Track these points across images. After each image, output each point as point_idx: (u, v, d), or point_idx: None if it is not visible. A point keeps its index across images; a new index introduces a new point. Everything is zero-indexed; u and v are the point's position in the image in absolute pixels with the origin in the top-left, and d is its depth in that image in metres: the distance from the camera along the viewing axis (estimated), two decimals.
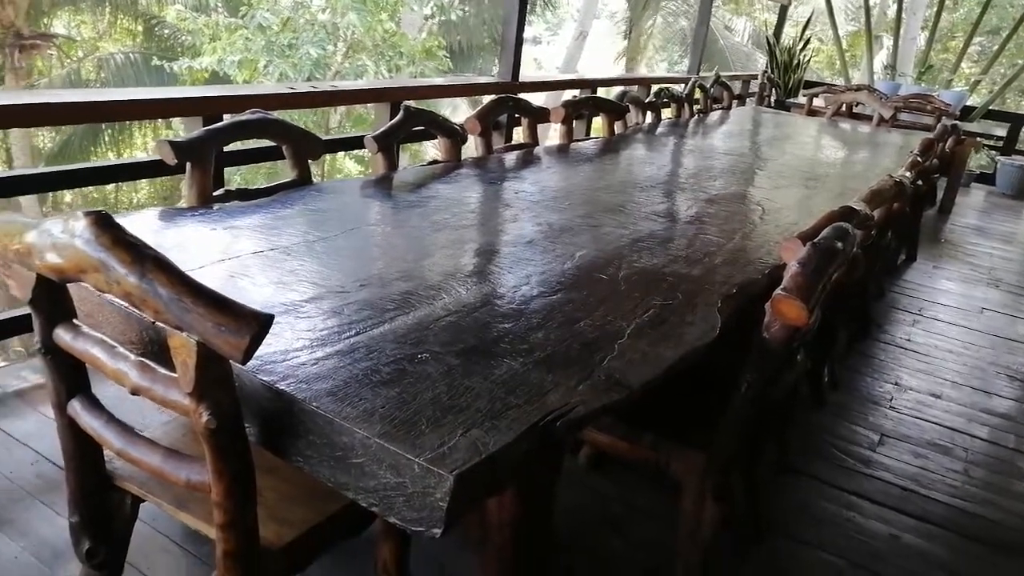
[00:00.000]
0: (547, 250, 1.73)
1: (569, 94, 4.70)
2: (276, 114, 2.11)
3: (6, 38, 9.60)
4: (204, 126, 2.03)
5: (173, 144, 1.79)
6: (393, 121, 2.37)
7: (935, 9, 8.40)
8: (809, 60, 8.21)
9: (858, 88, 5.68)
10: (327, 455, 0.97)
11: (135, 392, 1.02)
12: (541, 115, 3.12)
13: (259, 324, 0.85)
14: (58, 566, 1.63)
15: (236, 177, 8.90)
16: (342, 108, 10.39)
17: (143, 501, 1.31)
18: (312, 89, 3.16)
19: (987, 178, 7.80)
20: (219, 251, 1.48)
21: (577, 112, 3.39)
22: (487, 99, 3.00)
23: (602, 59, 17.70)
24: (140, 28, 10.76)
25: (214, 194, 1.89)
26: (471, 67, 12.86)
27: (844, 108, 5.62)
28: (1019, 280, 4.56)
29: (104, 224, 0.89)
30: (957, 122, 5.13)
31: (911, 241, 4.65)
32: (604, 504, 2.01)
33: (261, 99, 2.63)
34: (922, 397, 2.84)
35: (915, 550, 1.98)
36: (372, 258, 1.59)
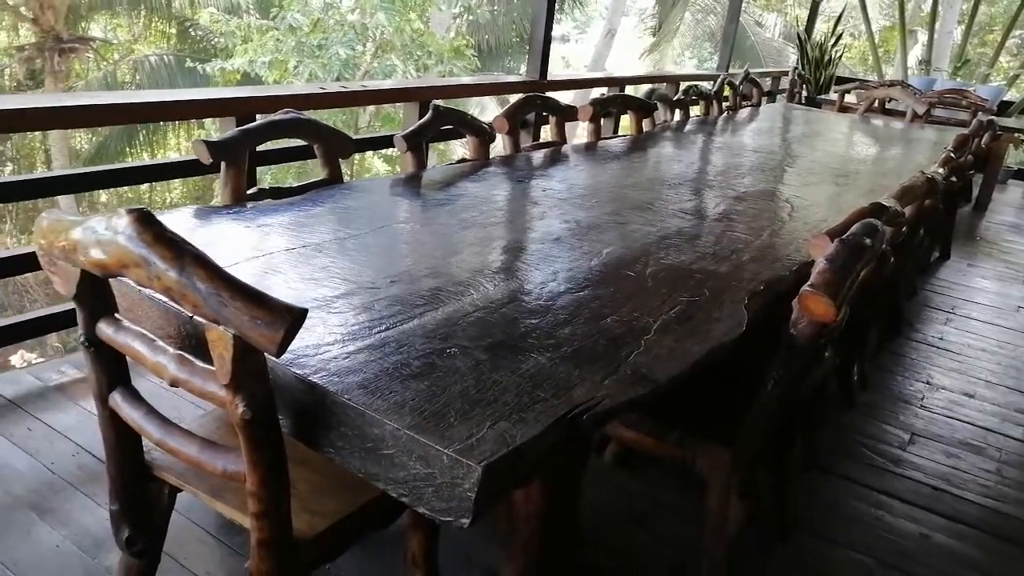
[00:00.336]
0: (574, 247, 1.74)
1: (597, 92, 4.70)
2: (307, 114, 2.15)
3: (46, 42, 9.84)
4: (238, 126, 2.07)
5: (209, 144, 1.84)
6: (422, 120, 2.40)
7: (972, 2, 8.24)
8: (841, 56, 8.09)
9: (891, 84, 5.59)
10: (358, 446, 0.99)
11: (174, 384, 1.05)
12: (569, 113, 3.13)
13: (293, 318, 0.88)
14: (99, 554, 1.68)
15: (266, 176, 9.02)
16: (371, 108, 10.48)
17: (180, 491, 1.34)
18: (342, 89, 3.20)
19: None
20: (252, 248, 1.52)
21: (605, 110, 3.39)
22: (515, 98, 3.02)
23: (630, 57, 17.61)
24: (174, 31, 10.96)
25: (247, 192, 1.93)
26: (499, 66, 12.88)
27: (876, 104, 5.54)
28: None
29: (146, 221, 0.93)
30: (994, 117, 5.03)
31: (945, 238, 4.57)
32: (630, 501, 2.02)
33: (293, 99, 2.68)
34: (954, 396, 2.80)
35: (946, 550, 1.95)
36: (401, 255, 1.61)
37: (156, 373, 1.07)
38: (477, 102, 11.62)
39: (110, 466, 1.32)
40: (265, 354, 0.95)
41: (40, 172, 9.88)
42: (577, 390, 1.09)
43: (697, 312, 1.43)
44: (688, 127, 3.85)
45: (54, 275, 1.15)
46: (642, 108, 3.56)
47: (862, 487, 2.18)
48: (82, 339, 1.16)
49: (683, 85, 4.59)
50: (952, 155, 2.83)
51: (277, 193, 1.99)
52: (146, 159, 10.30)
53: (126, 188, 10.15)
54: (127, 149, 10.26)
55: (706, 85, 4.55)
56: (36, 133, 10.07)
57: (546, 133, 3.72)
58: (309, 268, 1.44)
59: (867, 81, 7.39)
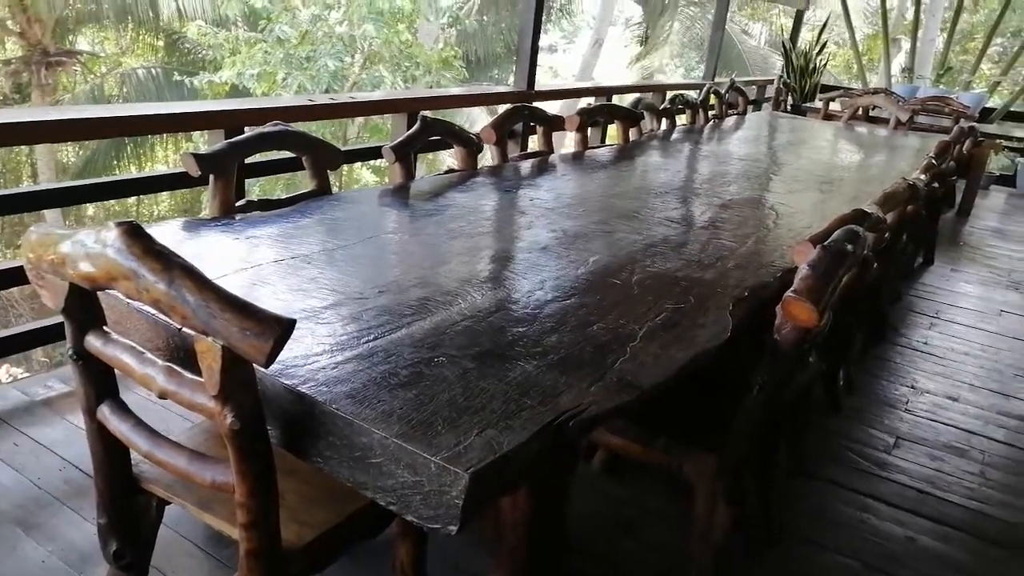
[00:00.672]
0: (561, 256, 1.76)
1: (584, 102, 4.73)
2: (295, 126, 2.16)
3: (33, 56, 9.82)
4: (226, 139, 2.08)
5: (197, 156, 1.84)
6: (410, 131, 2.41)
7: (954, 11, 8.35)
8: (825, 64, 8.18)
9: (875, 91, 5.66)
10: (346, 455, 1.00)
11: (163, 396, 1.06)
12: (556, 123, 3.15)
13: (282, 328, 0.89)
14: (86, 569, 1.67)
15: (255, 188, 9.02)
16: (360, 119, 10.50)
17: (168, 504, 1.35)
18: (331, 101, 3.22)
19: (1007, 180, 7.71)
20: (241, 260, 1.53)
21: (592, 120, 3.41)
22: (503, 109, 3.04)
23: (618, 66, 17.72)
24: (162, 43, 10.96)
25: (236, 205, 1.94)
26: (487, 77, 12.94)
27: (861, 112, 5.60)
28: None
29: (135, 234, 0.94)
30: (975, 124, 5.10)
31: (928, 244, 4.62)
32: (617, 508, 2.03)
33: (281, 111, 2.69)
34: (939, 400, 2.83)
35: (931, 552, 1.97)
36: (390, 265, 1.62)
37: (145, 385, 1.07)
38: (467, 117, 11.66)
39: (98, 479, 1.32)
40: (254, 365, 0.96)
41: (26, 186, 9.82)
42: (564, 397, 1.10)
43: (682, 319, 1.45)
44: (674, 136, 3.89)
45: (42, 289, 1.16)
46: (629, 117, 3.59)
47: (848, 491, 2.20)
48: (70, 352, 1.17)
49: (669, 94, 4.63)
50: (934, 162, 2.87)
51: (265, 205, 2.00)
52: (134, 172, 10.28)
53: (114, 201, 10.12)
54: (115, 162, 10.23)
55: (692, 94, 4.60)
56: (22, 147, 10.02)
57: (534, 143, 3.74)
58: (298, 279, 1.45)
59: (851, 89, 7.47)
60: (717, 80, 6.47)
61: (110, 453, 1.28)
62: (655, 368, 1.23)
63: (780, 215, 2.38)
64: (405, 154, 2.37)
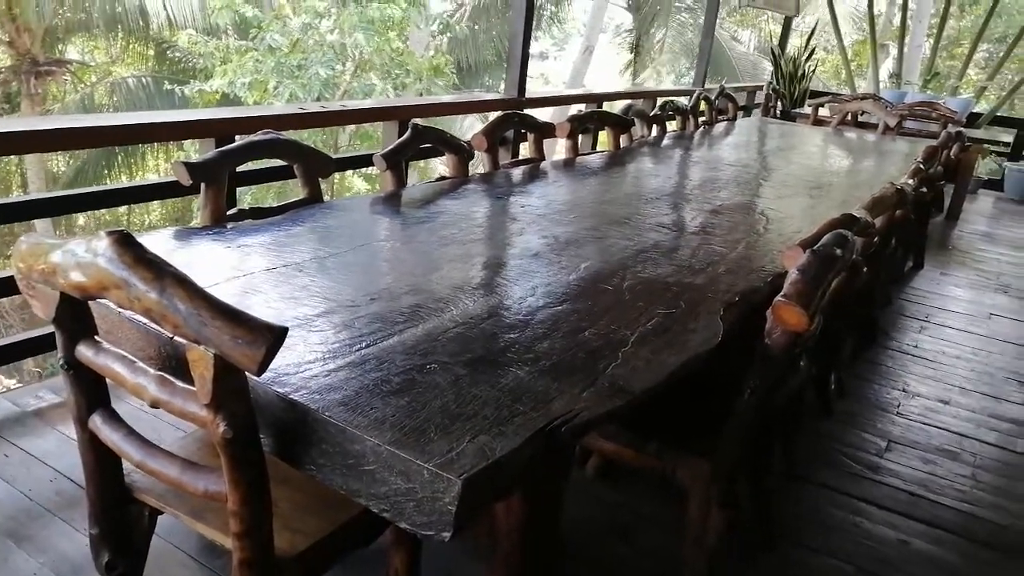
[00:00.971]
0: (553, 262, 1.77)
1: (575, 109, 4.75)
2: (287, 134, 2.16)
3: (22, 65, 9.79)
4: (217, 147, 2.08)
5: (188, 165, 1.84)
6: (401, 139, 2.42)
7: (940, 17, 8.43)
8: (814, 70, 8.24)
9: (863, 97, 5.70)
10: (339, 463, 1.00)
11: (155, 405, 1.05)
12: (547, 130, 3.17)
13: (274, 336, 0.89)
14: None
15: (246, 197, 9.00)
16: (351, 127, 10.50)
17: (160, 513, 1.34)
18: (322, 109, 3.22)
19: (995, 184, 7.78)
20: (233, 268, 1.53)
21: (582, 126, 3.43)
22: (494, 116, 3.05)
23: (609, 73, 17.79)
24: (152, 52, 10.94)
25: (227, 213, 1.94)
26: (478, 84, 12.96)
27: (849, 117, 5.64)
28: None
29: (126, 243, 0.94)
30: (962, 129, 5.14)
31: (918, 248, 4.65)
32: (611, 513, 2.03)
33: (272, 120, 2.69)
34: (930, 403, 2.84)
35: (924, 555, 1.98)
36: (382, 273, 1.63)
37: (136, 395, 1.07)
38: (460, 124, 11.67)
39: (89, 489, 1.31)
40: (246, 373, 0.96)
41: (16, 196, 9.79)
42: (555, 403, 1.10)
43: (673, 324, 1.45)
44: (665, 142, 3.90)
45: (33, 299, 1.15)
46: (619, 124, 3.60)
47: (841, 494, 2.21)
48: (61, 362, 1.16)
49: (660, 100, 4.65)
50: (922, 166, 2.89)
51: (257, 213, 2.00)
52: (125, 181, 10.24)
53: (105, 211, 10.07)
54: (106, 172, 10.20)
55: (682, 100, 4.62)
56: (12, 156, 9.98)
57: (525, 150, 3.76)
58: (289, 287, 1.45)
59: (840, 95, 7.52)
60: (707, 86, 6.51)
61: (102, 463, 1.28)
62: (647, 373, 1.24)
63: (770, 220, 2.39)
64: (396, 162, 2.37)
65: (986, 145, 6.59)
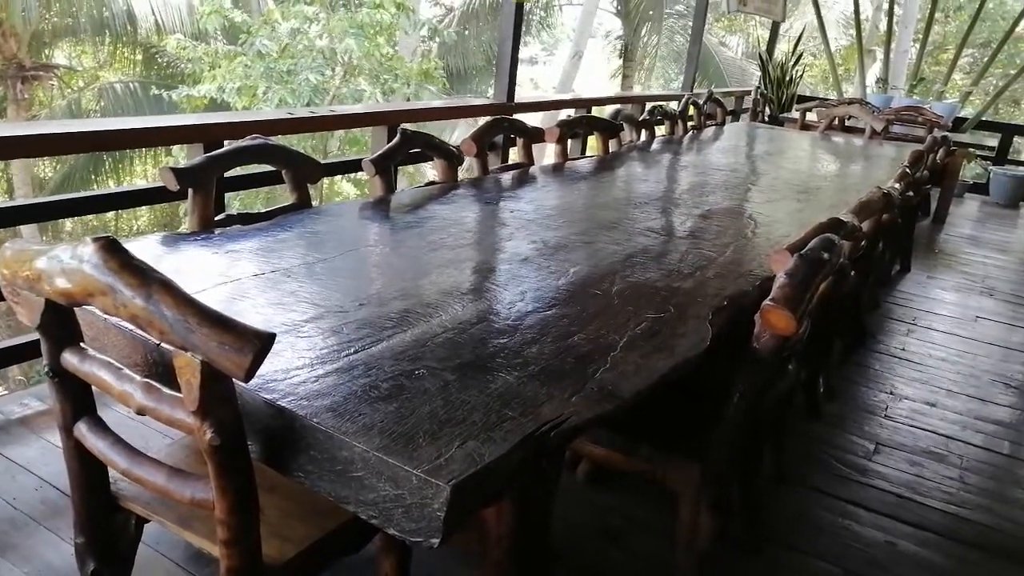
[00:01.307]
0: (542, 267, 1.77)
1: (564, 114, 4.76)
2: (276, 139, 2.15)
3: (8, 70, 9.72)
4: (205, 153, 2.07)
5: (176, 171, 1.84)
6: (390, 144, 2.42)
7: (926, 22, 8.50)
8: (802, 75, 8.30)
9: (850, 102, 5.75)
10: (327, 469, 1.00)
11: (141, 412, 1.05)
12: (536, 135, 3.17)
13: (261, 342, 0.89)
14: None
15: (235, 202, 8.96)
16: (340, 132, 10.48)
17: (147, 522, 1.33)
18: (311, 114, 3.21)
19: (980, 188, 7.85)
20: (221, 274, 1.52)
21: (571, 131, 3.44)
22: (483, 121, 3.06)
23: (598, 78, 17.85)
24: (140, 57, 10.88)
25: (215, 219, 1.93)
26: (467, 89, 12.97)
27: (837, 122, 5.68)
28: (1013, 289, 4.59)
29: (112, 249, 0.93)
30: (948, 133, 5.19)
31: (905, 252, 4.69)
32: (602, 517, 2.03)
33: (261, 125, 2.68)
34: (917, 406, 2.86)
35: (912, 557, 1.99)
36: (370, 278, 1.62)
37: (123, 402, 1.06)
38: (452, 134, 11.67)
39: (75, 498, 1.30)
40: (233, 380, 0.95)
41: (2, 201, 9.71)
42: (545, 408, 1.10)
43: (663, 328, 1.46)
44: (654, 147, 3.92)
45: (17, 305, 1.14)
46: (608, 129, 3.62)
47: (829, 497, 2.22)
48: (47, 369, 1.16)
49: (648, 105, 4.67)
50: (908, 171, 2.91)
51: (245, 219, 2.00)
52: (112, 187, 10.18)
53: (92, 216, 10.02)
54: (93, 177, 10.13)
55: (671, 105, 4.64)
56: None
57: (514, 155, 3.76)
58: (278, 293, 1.45)
59: (827, 99, 7.58)
60: (695, 91, 6.54)
61: (87, 471, 1.27)
62: (636, 378, 1.24)
63: (759, 224, 2.41)
64: (385, 167, 2.37)
65: (971, 149, 6.65)
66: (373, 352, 1.22)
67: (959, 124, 7.48)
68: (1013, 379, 3.21)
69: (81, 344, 1.15)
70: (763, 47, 8.44)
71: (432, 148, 2.60)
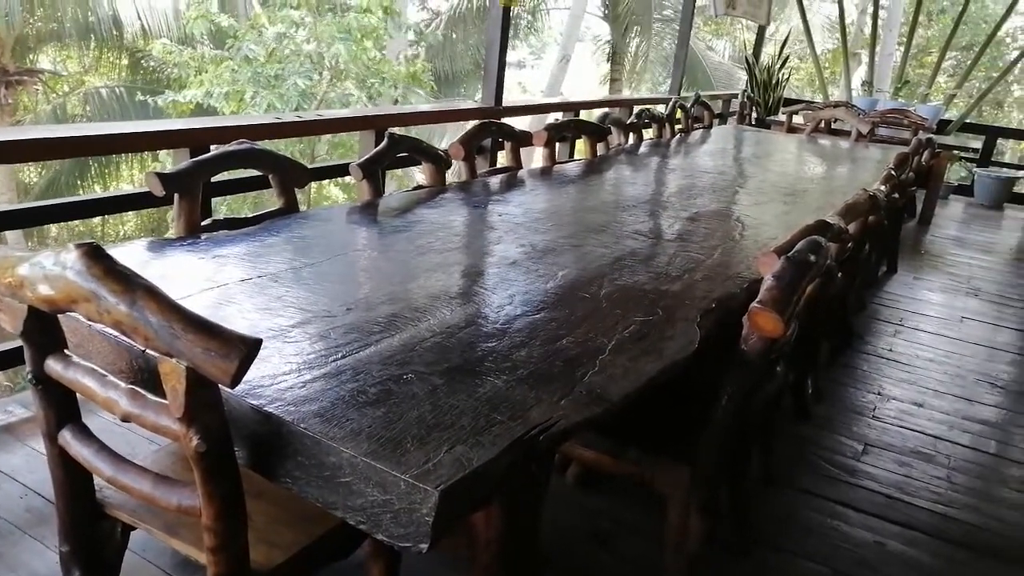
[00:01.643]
0: (531, 270, 1.77)
1: (552, 117, 4.77)
2: (263, 143, 2.14)
3: None
4: (192, 157, 2.06)
5: (161, 176, 1.82)
6: (377, 148, 2.41)
7: (910, 26, 8.58)
8: (788, 78, 8.35)
9: (836, 105, 5.78)
10: (315, 475, 0.99)
11: (126, 419, 1.04)
12: (524, 139, 3.17)
13: (247, 348, 0.88)
14: None
15: (222, 207, 8.91)
16: (328, 136, 10.46)
17: (133, 529, 1.32)
18: (298, 119, 3.20)
19: (965, 190, 7.92)
20: (207, 279, 1.51)
21: (559, 135, 3.44)
22: (472, 124, 3.06)
23: (586, 82, 17.89)
24: (125, 62, 10.82)
25: (202, 224, 1.92)
26: (455, 93, 12.97)
27: (823, 125, 5.72)
28: (998, 289, 4.64)
29: (95, 255, 0.92)
30: (932, 136, 5.23)
31: (891, 253, 4.72)
32: (592, 520, 2.03)
33: (248, 130, 2.67)
34: (905, 406, 2.88)
35: (900, 557, 2.00)
36: (358, 283, 1.62)
37: (107, 409, 1.05)
38: (441, 139, 11.66)
39: (60, 506, 1.29)
40: (219, 386, 0.95)
41: None
42: (533, 412, 1.10)
43: (651, 331, 1.46)
44: (642, 150, 3.93)
45: (0, 312, 1.13)
46: (596, 132, 3.62)
47: (818, 498, 2.22)
48: (30, 376, 1.14)
49: (636, 109, 4.69)
50: (894, 173, 2.93)
51: (232, 224, 1.98)
52: (98, 192, 10.11)
53: (77, 222, 9.93)
54: (79, 182, 10.05)
55: (659, 108, 4.66)
56: None
57: (502, 159, 3.76)
58: (265, 298, 1.44)
59: (813, 102, 7.63)
60: (683, 95, 6.57)
61: (72, 479, 1.26)
62: (624, 381, 1.24)
63: (746, 227, 2.42)
64: (373, 171, 2.37)
65: (956, 151, 6.71)
66: (361, 357, 1.22)
67: (943, 126, 7.54)
68: (999, 379, 3.23)
69: (65, 351, 1.14)
70: (750, 51, 8.49)
71: (420, 152, 2.60)
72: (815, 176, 3.77)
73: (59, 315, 1.11)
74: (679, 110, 4.79)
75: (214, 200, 2.94)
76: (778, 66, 7.92)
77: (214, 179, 2.23)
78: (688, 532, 1.63)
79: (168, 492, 1.08)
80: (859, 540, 2.05)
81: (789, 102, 8.11)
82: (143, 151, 8.29)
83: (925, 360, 3.35)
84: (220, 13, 8.54)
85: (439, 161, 2.61)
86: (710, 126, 5.30)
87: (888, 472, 2.40)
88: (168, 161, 8.45)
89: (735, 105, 7.98)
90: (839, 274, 1.80)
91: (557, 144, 3.41)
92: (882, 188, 2.57)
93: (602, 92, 15.57)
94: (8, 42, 9.69)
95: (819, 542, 2.03)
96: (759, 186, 3.20)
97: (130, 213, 10.62)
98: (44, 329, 1.12)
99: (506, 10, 3.83)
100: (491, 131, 3.08)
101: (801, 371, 2.62)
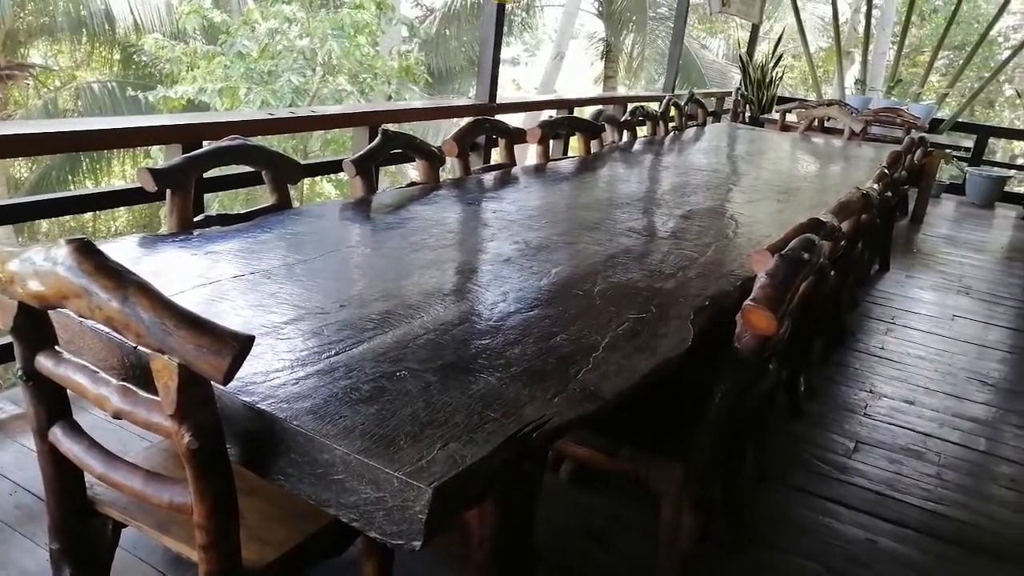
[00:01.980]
0: (524, 268, 1.76)
1: (546, 114, 4.77)
2: (256, 139, 2.14)
3: None
4: (184, 153, 2.05)
5: (153, 172, 1.81)
6: (371, 145, 2.40)
7: (903, 25, 8.61)
8: (781, 77, 8.37)
9: (829, 103, 5.80)
10: (308, 472, 0.99)
11: (117, 416, 1.03)
12: (518, 136, 3.17)
13: (240, 345, 0.88)
14: None
15: (215, 203, 8.88)
16: (320, 132, 10.42)
17: (124, 526, 1.31)
18: (291, 115, 3.19)
19: (957, 188, 7.95)
20: (200, 276, 1.50)
21: (553, 132, 3.44)
22: (465, 121, 3.05)
23: (580, 79, 17.89)
24: (117, 57, 10.76)
25: (194, 220, 1.91)
26: (449, 90, 12.95)
27: (816, 123, 5.73)
28: (989, 288, 4.66)
29: (87, 251, 0.92)
30: (925, 134, 5.25)
31: (883, 251, 4.74)
32: (586, 518, 2.03)
33: (240, 125, 2.66)
34: (896, 404, 2.89)
35: (891, 554, 2.01)
36: (352, 279, 1.61)
37: (99, 405, 1.05)
38: (436, 137, 11.64)
39: (50, 503, 1.28)
40: (212, 382, 0.94)
41: None
42: (527, 409, 1.10)
43: (644, 329, 1.46)
44: (636, 147, 3.93)
45: None
46: (590, 129, 3.62)
47: (810, 495, 2.23)
48: (20, 373, 1.14)
49: (630, 106, 4.68)
50: (887, 171, 2.94)
51: (225, 220, 1.97)
52: (89, 187, 10.05)
53: (69, 217, 9.88)
54: (70, 178, 9.99)
55: (653, 106, 4.66)
56: None
57: (496, 155, 3.76)
58: (258, 295, 1.43)
59: (807, 101, 7.65)
60: (676, 92, 6.57)
61: (62, 475, 1.25)
62: (618, 378, 1.24)
63: (740, 224, 2.42)
64: (366, 168, 2.36)
65: (948, 150, 6.74)
66: (354, 354, 1.21)
67: (936, 125, 7.57)
68: (989, 376, 3.25)
69: (56, 347, 1.13)
70: (743, 49, 8.50)
71: (413, 148, 2.59)
72: (808, 174, 3.78)
73: (50, 311, 1.10)
74: (673, 108, 4.79)
75: (207, 196, 2.92)
76: (772, 64, 7.93)
77: (207, 175, 2.22)
78: (681, 529, 1.64)
79: (160, 489, 1.08)
80: (851, 537, 2.06)
81: (783, 100, 8.13)
82: (135, 147, 8.25)
83: (916, 358, 3.37)
84: (213, 8, 8.49)
85: (433, 158, 2.61)
86: (704, 124, 5.30)
87: (879, 469, 2.41)
88: (160, 157, 8.41)
89: (729, 103, 7.99)
90: (832, 272, 1.81)
91: (551, 141, 3.41)
92: (875, 186, 2.58)
93: (596, 89, 15.57)
94: None
95: (811, 539, 2.03)
96: (753, 184, 3.20)
97: (122, 209, 10.57)
98: (34, 325, 1.11)
99: (500, 7, 3.83)
100: (485, 128, 3.07)
101: (794, 368, 2.63)
